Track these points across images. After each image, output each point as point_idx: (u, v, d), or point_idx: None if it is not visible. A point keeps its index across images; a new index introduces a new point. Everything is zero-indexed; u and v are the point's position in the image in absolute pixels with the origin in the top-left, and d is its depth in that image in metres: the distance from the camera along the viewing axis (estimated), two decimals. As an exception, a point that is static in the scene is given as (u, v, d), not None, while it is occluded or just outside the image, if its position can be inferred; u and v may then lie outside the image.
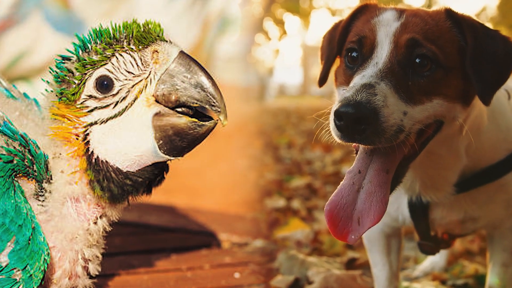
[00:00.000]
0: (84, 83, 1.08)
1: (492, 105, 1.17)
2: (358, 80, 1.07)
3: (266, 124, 6.94)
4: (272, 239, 2.05)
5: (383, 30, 1.11)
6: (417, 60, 1.09)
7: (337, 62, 1.23)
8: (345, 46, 1.17)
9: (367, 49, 1.11)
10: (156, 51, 1.07)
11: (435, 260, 1.80)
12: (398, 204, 1.29)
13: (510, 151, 1.24)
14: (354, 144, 1.11)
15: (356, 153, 1.13)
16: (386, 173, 1.08)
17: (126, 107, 1.07)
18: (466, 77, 1.12)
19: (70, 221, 1.10)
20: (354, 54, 1.13)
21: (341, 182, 1.10)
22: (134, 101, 1.07)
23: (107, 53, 1.08)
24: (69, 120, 1.08)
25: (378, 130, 1.01)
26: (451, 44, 1.13)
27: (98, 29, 1.09)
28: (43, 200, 1.09)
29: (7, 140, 1.06)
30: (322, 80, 1.24)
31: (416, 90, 1.07)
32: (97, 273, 1.14)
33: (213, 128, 1.07)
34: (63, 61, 1.10)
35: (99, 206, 1.12)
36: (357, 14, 1.21)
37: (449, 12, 1.15)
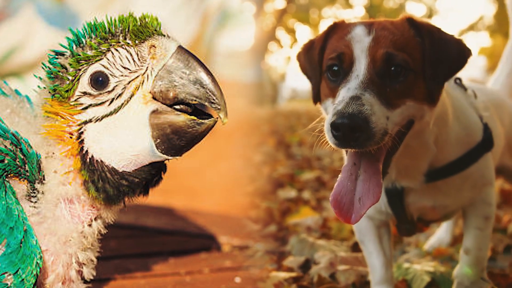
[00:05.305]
0: (78, 79, 1.06)
1: (454, 105, 1.39)
2: (344, 93, 1.21)
3: (278, 125, 7.50)
4: (284, 225, 2.23)
5: (358, 45, 1.26)
6: (393, 69, 1.24)
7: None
8: (325, 62, 1.32)
9: (346, 64, 1.26)
10: (153, 46, 1.05)
11: (441, 237, 1.98)
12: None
13: (472, 145, 1.41)
14: None
15: (346, 151, 1.29)
16: (377, 162, 1.24)
17: (122, 104, 1.05)
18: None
19: (64, 223, 1.08)
20: (335, 68, 1.28)
21: (339, 176, 1.27)
22: (130, 98, 1.05)
23: (102, 48, 1.05)
24: (63, 118, 1.06)
25: (369, 135, 1.17)
26: (416, 50, 1.28)
27: (92, 23, 1.07)
28: (36, 202, 1.07)
29: (-2, 139, 1.04)
30: (317, 98, 1.38)
31: (393, 96, 1.23)
32: (91, 278, 1.12)
33: (212, 126, 1.05)
34: (56, 56, 1.08)
35: (93, 207, 1.10)
36: (329, 33, 1.36)
37: (410, 21, 1.31)
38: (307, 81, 1.44)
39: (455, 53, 1.31)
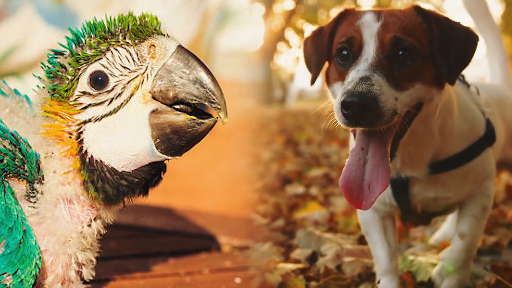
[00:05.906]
0: (78, 79, 1.05)
1: (458, 100, 1.42)
2: (354, 74, 1.24)
3: (287, 124, 7.67)
4: (292, 219, 2.29)
5: (367, 31, 1.29)
6: (400, 53, 1.28)
7: (326, 64, 1.42)
8: (334, 47, 1.35)
9: (356, 48, 1.29)
10: (153, 45, 1.05)
11: (447, 231, 2.00)
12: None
13: (475, 139, 1.45)
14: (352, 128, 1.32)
15: (354, 135, 1.31)
16: (385, 146, 1.27)
17: (122, 104, 1.05)
18: (437, 64, 1.32)
19: (63, 224, 1.08)
20: (345, 52, 1.31)
21: (347, 160, 1.30)
22: (130, 98, 1.05)
23: (102, 48, 1.05)
24: (62, 117, 1.05)
25: (379, 114, 1.20)
26: (424, 36, 1.31)
27: (92, 23, 1.07)
28: (35, 202, 1.07)
29: (-3, 139, 1.04)
30: (314, 80, 1.44)
31: (401, 78, 1.26)
32: (91, 278, 1.12)
33: (212, 126, 1.05)
34: (56, 56, 1.07)
35: (93, 207, 1.09)
36: (339, 19, 1.39)
37: (417, 9, 1.35)
38: (306, 66, 1.48)
39: (462, 37, 1.34)
